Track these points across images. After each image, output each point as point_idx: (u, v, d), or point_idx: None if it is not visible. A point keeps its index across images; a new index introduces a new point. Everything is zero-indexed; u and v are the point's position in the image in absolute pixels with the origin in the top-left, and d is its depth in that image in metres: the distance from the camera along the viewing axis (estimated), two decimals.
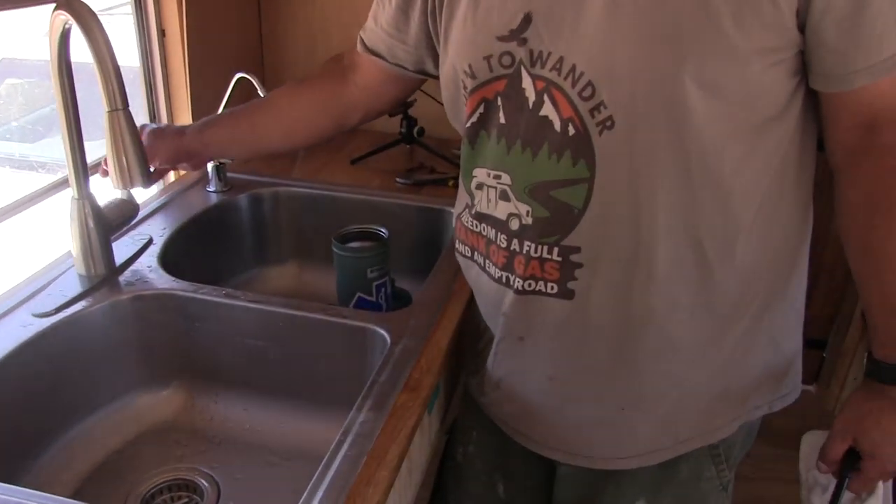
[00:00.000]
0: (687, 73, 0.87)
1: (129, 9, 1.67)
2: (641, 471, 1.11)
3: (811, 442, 1.17)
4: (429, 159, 1.87)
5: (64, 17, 1.05)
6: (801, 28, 0.88)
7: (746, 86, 0.89)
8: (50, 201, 1.45)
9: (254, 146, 1.42)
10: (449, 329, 1.23)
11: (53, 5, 1.08)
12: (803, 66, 0.93)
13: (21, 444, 1.16)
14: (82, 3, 1.04)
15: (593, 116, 0.91)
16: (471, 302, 1.32)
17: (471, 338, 1.26)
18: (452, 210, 1.61)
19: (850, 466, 1.06)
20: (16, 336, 1.17)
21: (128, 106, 1.04)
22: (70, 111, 1.20)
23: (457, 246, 1.16)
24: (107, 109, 1.03)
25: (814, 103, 0.98)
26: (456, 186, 1.70)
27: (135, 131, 1.04)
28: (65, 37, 1.12)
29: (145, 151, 1.07)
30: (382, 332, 1.20)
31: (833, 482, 1.10)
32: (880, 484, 1.09)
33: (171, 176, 1.80)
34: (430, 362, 1.14)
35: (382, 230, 1.45)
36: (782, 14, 0.86)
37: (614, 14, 0.88)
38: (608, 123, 0.91)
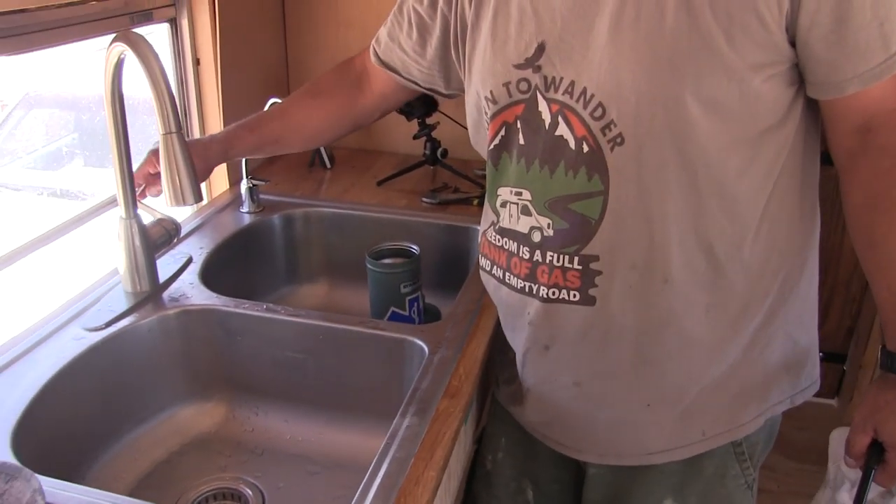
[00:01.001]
0: (687, 91, 0.94)
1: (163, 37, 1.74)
2: (668, 470, 1.16)
3: (839, 438, 1.20)
4: (452, 180, 1.93)
5: (121, 47, 1.11)
6: (793, 43, 0.95)
7: (744, 99, 0.95)
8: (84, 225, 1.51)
9: (274, 153, 1.59)
10: (483, 340, 1.28)
11: (109, 37, 1.14)
12: (800, 77, 0.99)
13: (71, 455, 1.21)
14: (139, 34, 1.11)
15: (605, 134, 0.99)
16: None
17: (501, 348, 1.31)
18: (478, 227, 1.67)
19: (875, 459, 1.08)
20: (70, 349, 1.22)
21: (181, 129, 1.09)
22: (121, 135, 1.26)
23: (480, 261, 1.23)
24: (162, 132, 1.08)
25: (814, 111, 1.04)
26: (480, 205, 1.76)
27: (187, 152, 1.10)
28: (119, 66, 1.18)
29: (195, 170, 1.12)
30: (420, 342, 1.26)
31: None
32: None
33: (205, 198, 1.86)
34: (467, 371, 1.19)
35: (414, 247, 1.50)
36: (771, 32, 0.92)
37: (617, 40, 0.96)
38: (618, 140, 0.98)
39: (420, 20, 1.25)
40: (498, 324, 1.35)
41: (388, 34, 1.33)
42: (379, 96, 1.41)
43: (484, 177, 1.88)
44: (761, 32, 0.92)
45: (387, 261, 1.48)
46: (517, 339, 1.20)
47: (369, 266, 1.46)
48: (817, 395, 1.21)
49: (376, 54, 1.36)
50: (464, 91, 1.23)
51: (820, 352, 1.23)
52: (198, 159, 1.33)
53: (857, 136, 1.00)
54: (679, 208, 1.00)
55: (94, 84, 2.16)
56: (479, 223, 1.67)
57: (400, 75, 1.34)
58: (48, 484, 0.92)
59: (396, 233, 1.70)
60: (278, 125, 1.44)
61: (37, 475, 0.90)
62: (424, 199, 1.83)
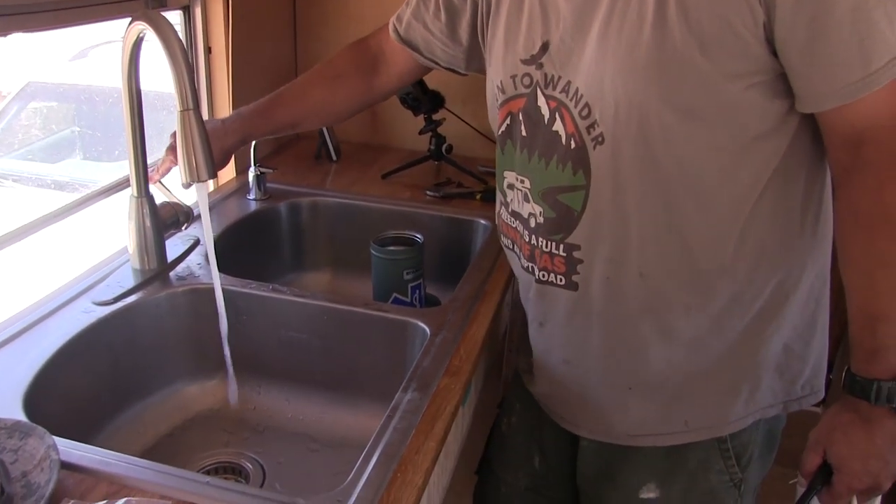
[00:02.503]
0: (660, 99, 0.97)
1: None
2: (653, 455, 1.19)
3: None
4: (456, 175, 1.96)
5: (141, 26, 1.14)
6: (775, 54, 0.95)
7: (721, 108, 0.97)
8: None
9: (290, 132, 1.61)
10: (483, 325, 1.31)
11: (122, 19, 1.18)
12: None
13: (78, 425, 1.22)
14: (158, 13, 1.14)
15: (589, 133, 1.04)
16: (502, 304, 1.41)
17: (522, 319, 1.34)
18: (482, 221, 1.70)
19: (822, 479, 1.06)
20: (79, 322, 1.25)
21: (199, 106, 1.12)
22: (135, 114, 1.29)
23: (501, 239, 1.28)
24: (179, 109, 1.11)
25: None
26: (483, 200, 1.80)
27: (203, 129, 1.12)
28: (137, 44, 1.21)
29: (210, 147, 1.15)
30: (422, 325, 1.29)
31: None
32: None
33: (211, 185, 1.89)
34: (468, 352, 1.22)
35: (418, 235, 1.54)
36: (746, 43, 0.93)
37: (603, 46, 1.01)
38: (600, 139, 1.03)
39: (449, 2, 1.30)
40: (499, 312, 1.39)
41: (412, 13, 1.37)
42: (395, 76, 1.46)
43: (487, 173, 1.93)
44: (736, 43, 0.93)
45: (391, 248, 1.51)
46: (527, 313, 1.28)
47: (374, 252, 1.49)
48: (815, 405, 1.22)
49: (397, 32, 1.40)
50: (478, 72, 1.30)
51: None
52: (216, 147, 1.35)
53: (849, 150, 0.98)
54: (654, 208, 1.04)
55: (95, 76, 2.19)
56: (481, 217, 1.72)
57: (421, 54, 1.39)
58: (61, 444, 0.95)
59: (400, 224, 1.73)
60: (295, 109, 1.48)
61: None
62: (428, 193, 1.86)
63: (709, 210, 1.03)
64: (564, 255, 1.11)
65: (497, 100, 1.18)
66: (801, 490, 1.13)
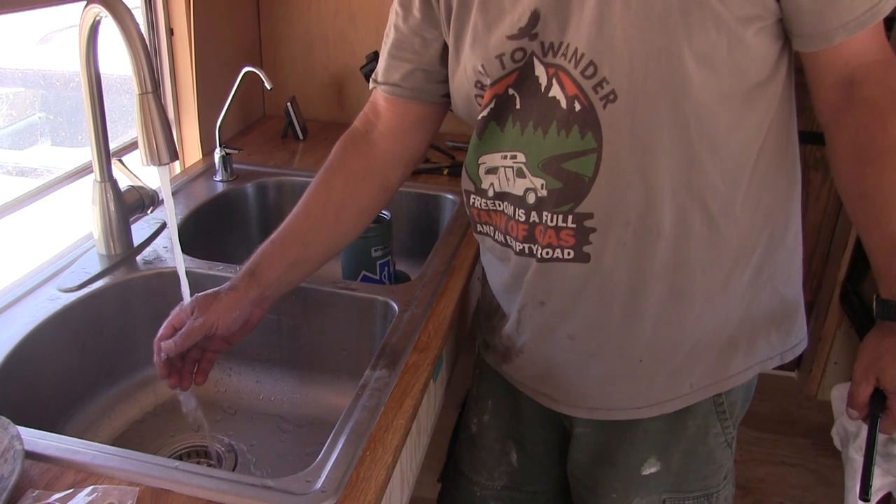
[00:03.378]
0: (680, 46, 0.96)
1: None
2: (652, 429, 1.19)
3: (838, 395, 1.22)
4: None
5: (97, 9, 1.13)
6: None
7: (734, 53, 0.97)
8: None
9: (312, 264, 1.22)
10: (452, 300, 1.31)
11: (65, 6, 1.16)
12: (784, 32, 1.02)
13: (46, 412, 1.23)
14: None
15: (597, 92, 1.00)
16: (471, 278, 1.41)
17: (485, 314, 1.33)
18: (449, 196, 1.70)
19: (878, 407, 1.09)
20: (45, 309, 1.24)
21: (158, 89, 1.11)
22: (95, 98, 1.28)
23: (478, 228, 1.20)
24: (138, 92, 1.10)
25: (795, 71, 1.07)
26: (450, 174, 1.80)
27: (163, 112, 1.11)
28: (94, 28, 1.20)
29: (171, 129, 1.13)
30: (391, 301, 1.29)
31: (861, 428, 1.15)
32: None
33: (177, 167, 1.88)
34: (437, 327, 1.23)
35: (385, 212, 1.53)
36: None
37: (608, 0, 0.97)
38: (611, 97, 0.99)
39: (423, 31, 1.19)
40: (468, 285, 1.39)
41: (382, 65, 1.25)
42: (391, 135, 1.27)
43: (455, 148, 1.93)
44: None
45: None
46: (512, 299, 1.21)
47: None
48: (778, 367, 1.23)
49: (375, 81, 1.26)
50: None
51: None
52: (225, 303, 1.12)
53: (840, 89, 1.02)
54: (672, 163, 1.02)
55: (60, 62, 2.16)
56: (449, 192, 1.71)
57: (401, 87, 1.22)
58: (26, 434, 0.94)
59: None
60: (301, 230, 1.22)
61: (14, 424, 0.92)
62: None
63: (722, 161, 1.03)
64: (574, 226, 1.06)
65: (481, 86, 1.11)
66: (842, 432, 1.16)
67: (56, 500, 0.85)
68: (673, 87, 0.98)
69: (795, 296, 1.21)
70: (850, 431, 1.21)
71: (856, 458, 1.19)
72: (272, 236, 1.20)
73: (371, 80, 1.26)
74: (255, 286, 1.14)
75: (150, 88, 1.10)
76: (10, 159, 2.66)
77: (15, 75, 2.92)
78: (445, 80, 1.20)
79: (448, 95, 1.21)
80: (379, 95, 1.26)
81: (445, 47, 1.17)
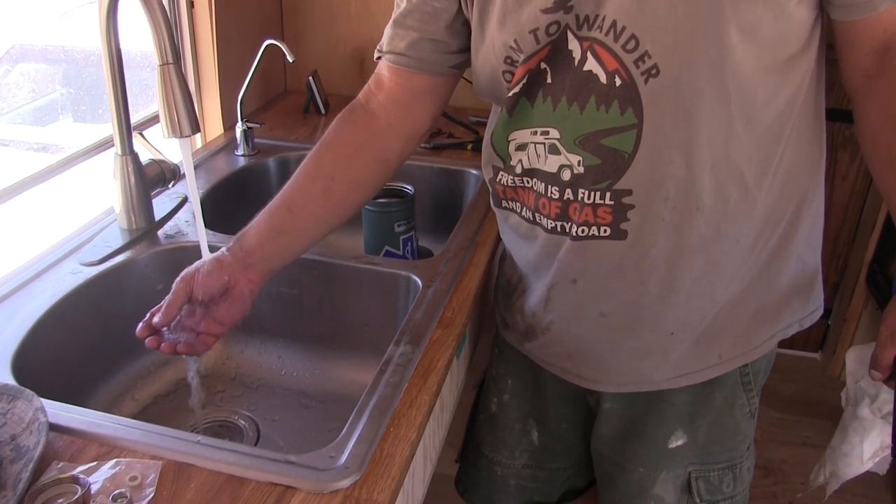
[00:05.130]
0: (728, 18, 0.94)
1: None
2: (680, 401, 1.19)
3: (856, 357, 1.22)
4: (447, 126, 1.94)
5: None
6: None
7: (777, 25, 0.96)
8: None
9: (301, 235, 1.20)
10: (476, 276, 1.30)
11: None
12: (820, 2, 0.99)
13: (70, 386, 1.22)
14: None
15: (638, 66, 0.97)
16: (495, 254, 1.39)
17: (504, 292, 1.31)
18: (473, 171, 1.68)
19: None
20: (67, 283, 1.24)
21: (179, 60, 1.10)
22: (116, 70, 1.27)
23: (502, 205, 1.18)
24: (158, 63, 1.09)
25: (825, 41, 1.05)
26: (474, 150, 1.77)
27: (184, 83, 1.10)
28: (115, 1, 1.18)
29: (192, 101, 1.12)
30: (415, 277, 1.27)
31: (881, 389, 1.15)
32: None
33: (199, 142, 1.87)
34: (461, 303, 1.21)
35: (408, 187, 1.52)
36: None
37: None
38: (653, 72, 0.97)
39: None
40: (492, 261, 1.37)
41: (389, 32, 1.19)
42: (392, 105, 1.22)
43: (479, 123, 1.90)
44: None
45: (381, 200, 1.49)
46: (541, 277, 1.19)
47: (364, 205, 1.47)
48: (802, 348, 1.23)
49: (380, 50, 1.21)
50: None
51: None
52: (215, 274, 1.13)
53: (875, 57, 1.01)
54: (712, 136, 1.00)
55: (81, 37, 2.15)
56: (473, 168, 1.69)
57: (408, 56, 1.17)
58: (50, 406, 0.94)
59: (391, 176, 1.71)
60: (292, 198, 1.20)
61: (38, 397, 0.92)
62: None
63: (757, 132, 1.02)
64: (612, 202, 1.04)
65: (513, 62, 1.07)
66: (854, 392, 1.16)
67: (80, 472, 0.85)
68: (717, 61, 0.96)
69: (815, 263, 1.21)
70: (866, 392, 1.20)
71: (869, 417, 1.19)
72: (270, 207, 1.19)
73: (376, 50, 1.22)
74: (239, 251, 1.14)
75: (171, 59, 1.09)
76: (32, 136, 2.67)
77: (36, 51, 2.93)
78: (454, 52, 1.17)
79: (456, 67, 1.19)
80: (383, 66, 1.21)
81: (456, 19, 1.14)
